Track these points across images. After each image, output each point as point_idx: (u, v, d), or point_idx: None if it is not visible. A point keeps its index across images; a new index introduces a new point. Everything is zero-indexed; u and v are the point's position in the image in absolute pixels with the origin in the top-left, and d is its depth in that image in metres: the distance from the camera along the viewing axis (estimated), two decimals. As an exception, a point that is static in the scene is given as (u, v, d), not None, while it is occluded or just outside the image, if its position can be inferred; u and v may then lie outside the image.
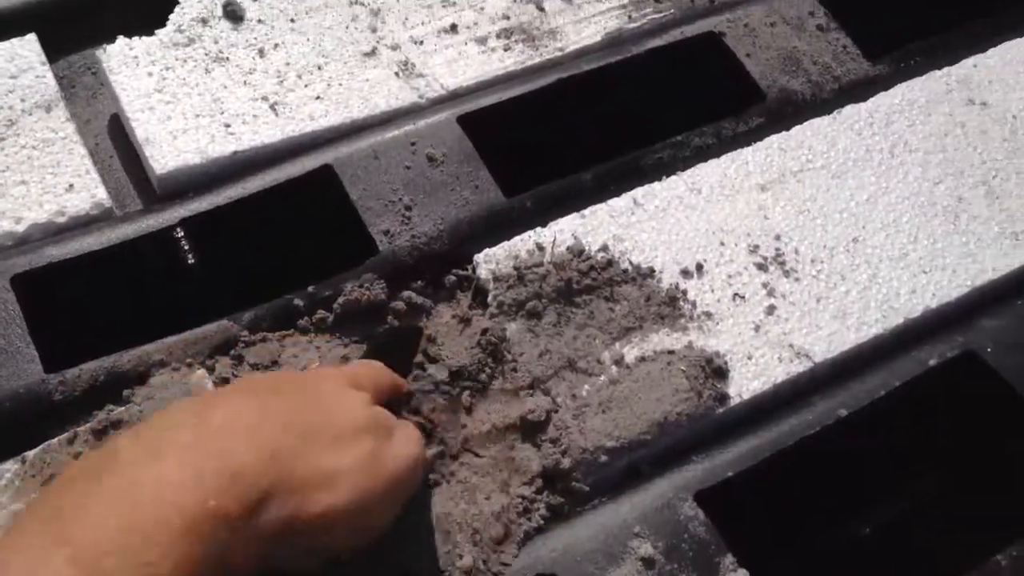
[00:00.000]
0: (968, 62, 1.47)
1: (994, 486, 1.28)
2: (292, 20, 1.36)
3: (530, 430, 1.07)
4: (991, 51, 1.48)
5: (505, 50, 1.39)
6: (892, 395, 1.16)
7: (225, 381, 1.06)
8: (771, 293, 1.20)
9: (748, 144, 1.34)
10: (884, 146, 1.36)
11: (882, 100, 1.41)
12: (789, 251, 1.24)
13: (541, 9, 1.44)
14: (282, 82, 1.29)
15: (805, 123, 1.37)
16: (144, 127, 1.22)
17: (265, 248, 1.21)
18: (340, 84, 1.31)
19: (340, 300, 1.13)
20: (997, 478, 1.27)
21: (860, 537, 1.27)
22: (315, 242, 1.21)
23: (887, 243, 1.27)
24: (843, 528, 1.27)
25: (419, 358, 1.11)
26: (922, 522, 1.28)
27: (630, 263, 1.20)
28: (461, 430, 1.07)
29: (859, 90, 1.43)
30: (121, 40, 1.29)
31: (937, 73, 1.45)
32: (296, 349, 1.10)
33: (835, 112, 1.38)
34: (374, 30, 1.37)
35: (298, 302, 1.14)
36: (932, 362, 1.18)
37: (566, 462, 1.05)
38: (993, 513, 1.24)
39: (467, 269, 1.18)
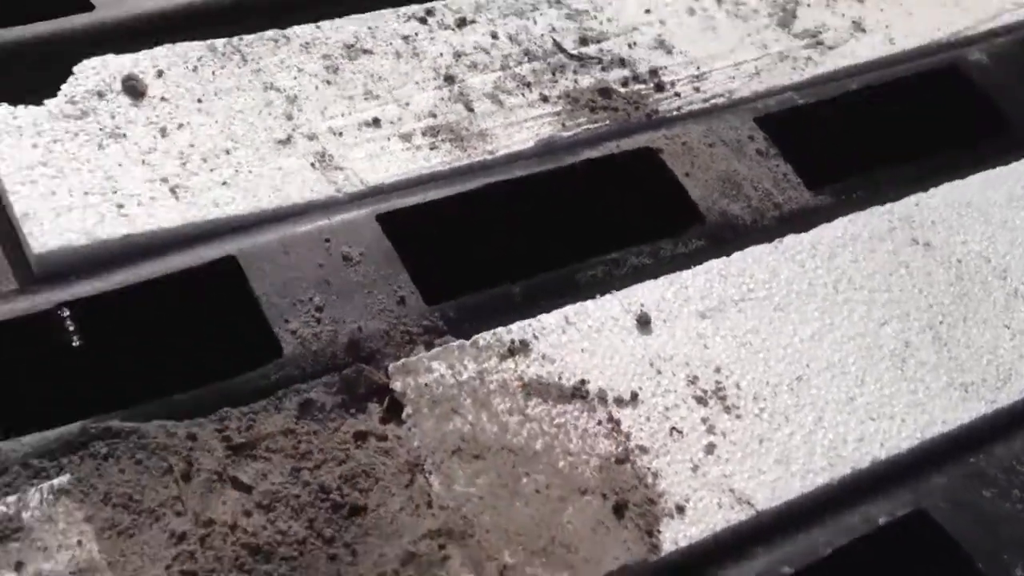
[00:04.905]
0: (910, 200, 1.52)
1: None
2: (199, 100, 1.33)
3: None
4: (933, 190, 1.54)
5: (431, 148, 1.39)
6: (839, 553, 1.14)
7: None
8: (711, 430, 1.19)
9: (687, 267, 1.35)
10: (828, 280, 1.38)
11: (824, 232, 1.44)
12: (730, 385, 1.24)
13: (470, 110, 1.45)
14: (185, 164, 1.26)
15: (746, 250, 1.38)
16: (24, 201, 1.16)
17: (153, 339, 1.16)
18: (250, 171, 1.28)
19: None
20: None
21: None
22: (209, 336, 1.16)
23: (832, 385, 1.27)
24: None
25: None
26: None
27: (561, 386, 1.18)
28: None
29: (800, 219, 1.46)
30: (4, 107, 1.25)
31: (880, 208, 1.49)
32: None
33: (776, 241, 1.41)
34: (290, 117, 1.36)
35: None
36: (882, 520, 1.17)
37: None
38: None
39: (379, 376, 1.15)
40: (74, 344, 1.11)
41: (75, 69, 1.31)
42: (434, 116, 1.42)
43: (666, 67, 1.58)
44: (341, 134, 1.36)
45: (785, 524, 1.16)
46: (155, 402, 1.07)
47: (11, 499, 0.96)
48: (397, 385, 1.14)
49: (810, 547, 1.14)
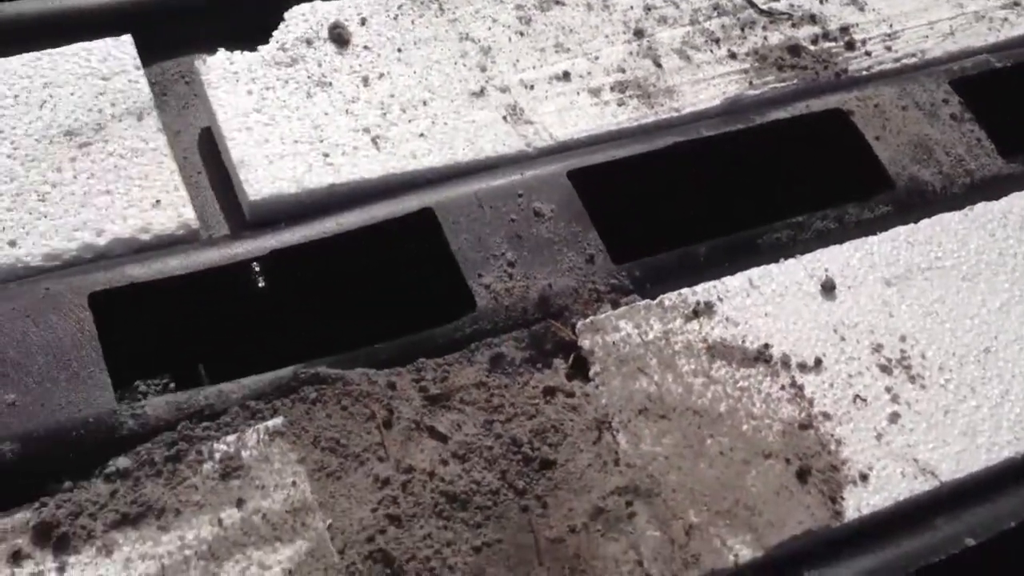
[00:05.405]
0: (1108, 171, 1.46)
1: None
2: (399, 50, 1.36)
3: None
4: None
5: (619, 104, 1.39)
6: None
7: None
8: (895, 399, 1.19)
9: (873, 233, 1.33)
10: (1019, 251, 1.34)
11: (1016, 201, 1.40)
12: (915, 355, 1.23)
13: (658, 65, 1.44)
14: (385, 115, 1.29)
15: (935, 217, 1.36)
16: (240, 148, 1.21)
17: (352, 286, 1.21)
18: (445, 123, 1.30)
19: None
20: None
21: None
22: (404, 285, 1.20)
23: (1020, 358, 1.25)
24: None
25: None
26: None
27: (744, 349, 1.19)
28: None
29: (992, 187, 1.42)
30: (222, 53, 1.29)
31: (1075, 179, 1.45)
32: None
33: (967, 209, 1.37)
34: (483, 69, 1.38)
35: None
36: (1068, 496, 1.16)
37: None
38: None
39: (566, 333, 1.18)
40: (283, 290, 1.16)
41: (286, 15, 1.35)
42: (622, 71, 1.42)
43: (857, 24, 1.54)
44: (532, 87, 1.37)
45: (968, 496, 1.15)
46: (357, 350, 1.12)
47: (231, 438, 1.02)
48: (585, 343, 1.16)
49: (994, 519, 1.14)
